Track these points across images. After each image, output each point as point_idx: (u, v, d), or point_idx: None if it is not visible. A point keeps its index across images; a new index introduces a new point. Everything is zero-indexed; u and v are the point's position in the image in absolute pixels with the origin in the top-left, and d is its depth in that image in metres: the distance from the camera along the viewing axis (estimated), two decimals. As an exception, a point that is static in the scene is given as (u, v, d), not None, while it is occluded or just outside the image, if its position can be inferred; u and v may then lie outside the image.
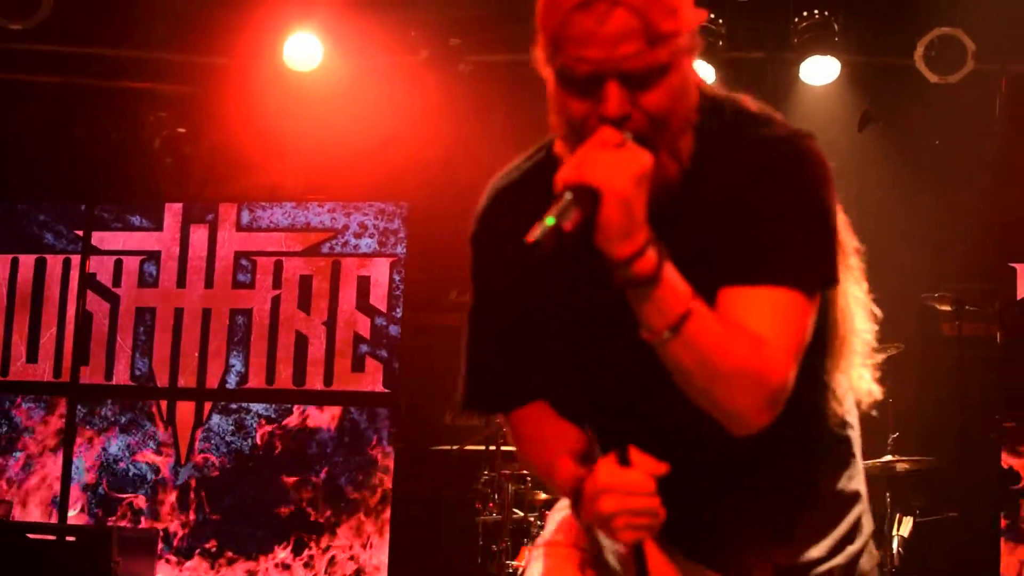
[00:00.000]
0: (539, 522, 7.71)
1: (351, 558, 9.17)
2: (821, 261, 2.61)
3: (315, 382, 9.32)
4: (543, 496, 7.83)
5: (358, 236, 9.34)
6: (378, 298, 9.29)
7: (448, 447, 8.23)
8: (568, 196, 2.37)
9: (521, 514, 7.89)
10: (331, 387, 9.28)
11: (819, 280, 2.61)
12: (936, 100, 9.19)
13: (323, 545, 9.21)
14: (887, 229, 9.79)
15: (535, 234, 2.33)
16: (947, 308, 8.74)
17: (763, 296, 2.55)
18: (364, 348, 9.27)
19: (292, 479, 9.30)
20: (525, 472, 7.79)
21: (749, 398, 2.51)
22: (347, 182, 9.66)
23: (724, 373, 2.48)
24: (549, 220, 2.34)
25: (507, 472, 7.80)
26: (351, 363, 9.29)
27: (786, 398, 2.55)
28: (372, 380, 9.23)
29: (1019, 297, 8.75)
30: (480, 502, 8.01)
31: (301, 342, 9.39)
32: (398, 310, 9.31)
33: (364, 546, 9.16)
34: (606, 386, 2.79)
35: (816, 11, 9.11)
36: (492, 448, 7.96)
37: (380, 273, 9.29)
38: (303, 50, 9.17)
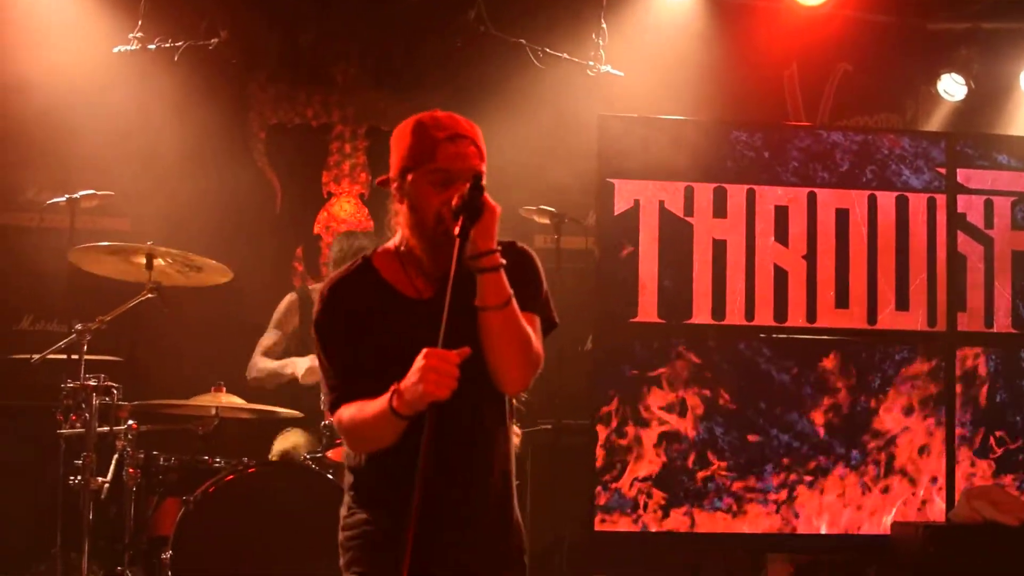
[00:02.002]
0: (128, 435, 7.37)
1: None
2: (552, 313, 4.30)
3: None
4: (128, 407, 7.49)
5: None
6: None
7: (28, 355, 7.71)
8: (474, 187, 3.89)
9: (107, 428, 7.49)
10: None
11: (551, 323, 4.28)
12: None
13: None
14: (489, 144, 9.80)
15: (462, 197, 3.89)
16: (545, 221, 8.76)
17: (533, 319, 4.15)
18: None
19: None
20: (111, 384, 7.42)
21: (529, 361, 4.03)
22: None
23: (522, 339, 4.00)
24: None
25: (92, 383, 7.39)
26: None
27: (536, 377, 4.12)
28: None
29: (616, 213, 8.78)
30: (62, 414, 7.54)
31: None
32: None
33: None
34: None
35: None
36: (75, 357, 7.52)
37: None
38: None
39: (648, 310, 8.73)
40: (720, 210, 8.83)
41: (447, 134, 4.08)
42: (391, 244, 4.28)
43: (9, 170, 9.41)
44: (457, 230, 3.84)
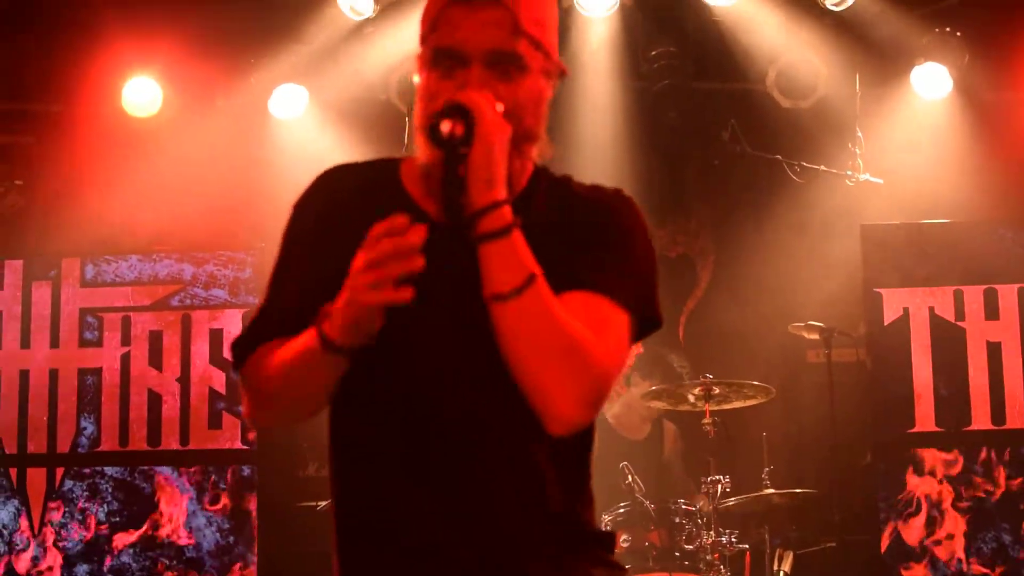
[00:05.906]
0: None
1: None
2: (652, 302, 2.77)
3: (171, 442, 8.87)
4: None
5: (207, 287, 8.93)
6: (232, 351, 8.85)
7: (315, 503, 7.92)
8: (448, 112, 2.57)
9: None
10: (188, 446, 8.87)
11: (646, 318, 2.74)
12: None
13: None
14: (752, 262, 9.79)
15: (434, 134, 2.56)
16: (815, 337, 8.69)
17: (603, 305, 2.64)
18: (220, 404, 8.87)
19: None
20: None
21: (576, 382, 2.54)
22: (193, 231, 9.32)
23: (559, 346, 2.52)
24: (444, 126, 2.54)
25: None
26: (207, 420, 8.88)
27: (604, 400, 2.62)
28: (230, 437, 8.84)
29: (885, 323, 8.68)
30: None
31: (154, 400, 8.94)
32: (254, 363, 8.84)
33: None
34: (410, 367, 2.73)
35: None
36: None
37: (233, 324, 8.89)
38: (142, 95, 8.86)
39: (925, 419, 8.58)
40: (992, 312, 8.66)
41: None
42: None
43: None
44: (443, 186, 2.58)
